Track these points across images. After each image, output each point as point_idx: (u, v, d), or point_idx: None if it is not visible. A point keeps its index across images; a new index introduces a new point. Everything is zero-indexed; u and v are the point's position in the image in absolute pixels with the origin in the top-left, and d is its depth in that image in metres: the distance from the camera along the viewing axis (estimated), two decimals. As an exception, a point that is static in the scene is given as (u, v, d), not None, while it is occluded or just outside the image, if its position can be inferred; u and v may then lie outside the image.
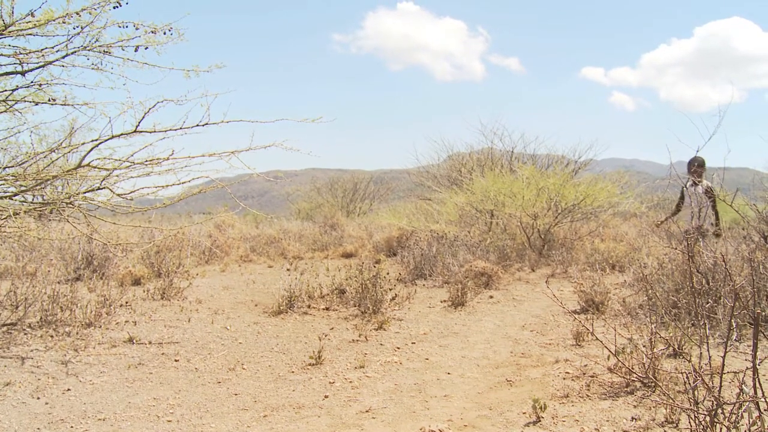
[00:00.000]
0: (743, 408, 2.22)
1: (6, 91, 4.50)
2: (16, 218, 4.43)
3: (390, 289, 5.88)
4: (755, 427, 2.15)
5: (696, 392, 2.43)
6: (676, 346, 3.75)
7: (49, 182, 4.57)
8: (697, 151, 3.94)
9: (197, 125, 4.54)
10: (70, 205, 4.69)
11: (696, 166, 6.75)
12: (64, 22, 4.17)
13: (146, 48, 4.48)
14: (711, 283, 4.60)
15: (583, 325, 3.76)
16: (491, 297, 6.68)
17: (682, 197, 6.98)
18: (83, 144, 4.65)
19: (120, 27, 4.36)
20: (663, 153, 4.28)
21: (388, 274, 6.08)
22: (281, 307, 5.78)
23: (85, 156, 4.52)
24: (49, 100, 4.60)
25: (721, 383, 2.25)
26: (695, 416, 2.36)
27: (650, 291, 4.92)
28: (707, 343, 2.61)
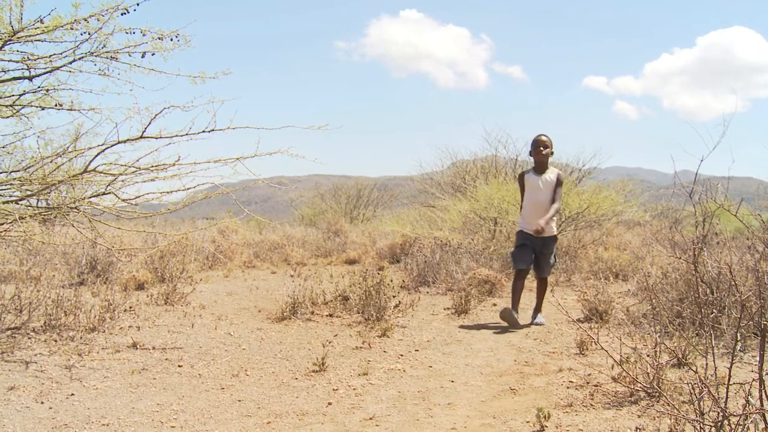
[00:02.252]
0: (749, 420, 2.21)
1: (13, 95, 4.53)
2: (21, 222, 4.45)
3: (394, 296, 5.87)
4: (761, 438, 2.14)
5: (701, 403, 2.42)
6: (680, 356, 3.73)
7: (54, 187, 4.60)
8: (702, 161, 3.89)
9: (203, 131, 4.56)
10: (75, 210, 4.71)
11: (541, 148, 5.41)
12: (72, 29, 4.21)
13: (153, 54, 4.52)
14: (716, 293, 4.59)
15: (587, 334, 3.75)
16: (495, 305, 6.66)
17: (522, 190, 5.62)
18: (89, 149, 4.68)
19: (127, 33, 4.40)
20: (667, 161, 4.28)
21: (391, 281, 6.07)
22: (285, 314, 5.77)
23: (91, 161, 4.55)
24: (55, 105, 4.63)
25: (727, 394, 2.24)
26: (700, 427, 2.35)
27: (654, 300, 4.90)
28: (712, 353, 2.60)
